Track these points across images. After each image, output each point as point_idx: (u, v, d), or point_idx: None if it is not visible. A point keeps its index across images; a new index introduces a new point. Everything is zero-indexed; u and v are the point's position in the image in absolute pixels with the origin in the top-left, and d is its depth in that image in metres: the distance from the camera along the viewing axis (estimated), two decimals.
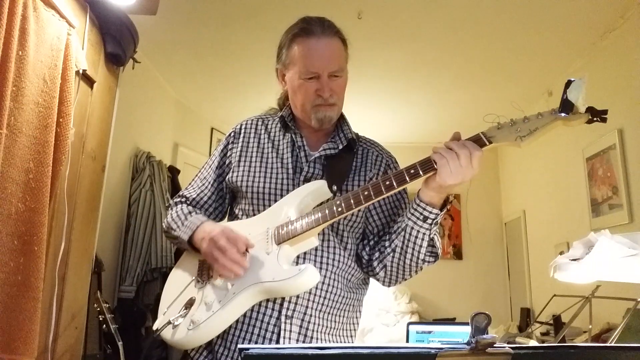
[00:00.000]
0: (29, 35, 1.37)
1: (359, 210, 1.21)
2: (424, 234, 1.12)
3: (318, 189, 1.18)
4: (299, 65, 1.20)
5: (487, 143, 1.03)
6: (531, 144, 1.01)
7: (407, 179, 1.06)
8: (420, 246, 1.13)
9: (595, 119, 0.98)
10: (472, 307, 4.54)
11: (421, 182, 1.11)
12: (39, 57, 1.44)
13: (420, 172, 1.05)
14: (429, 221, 1.10)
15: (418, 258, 1.15)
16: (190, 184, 1.39)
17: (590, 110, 0.98)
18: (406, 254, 1.15)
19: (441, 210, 1.10)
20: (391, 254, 1.17)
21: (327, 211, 1.10)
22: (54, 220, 1.60)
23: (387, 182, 1.06)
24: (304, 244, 1.15)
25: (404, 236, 1.13)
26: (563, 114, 0.99)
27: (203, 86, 4.19)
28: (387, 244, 1.19)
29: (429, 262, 1.18)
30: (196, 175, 1.39)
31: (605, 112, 0.98)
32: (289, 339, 1.11)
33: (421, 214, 1.10)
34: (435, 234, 1.15)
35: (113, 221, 3.28)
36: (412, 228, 1.12)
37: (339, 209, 1.09)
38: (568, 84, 0.99)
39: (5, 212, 1.32)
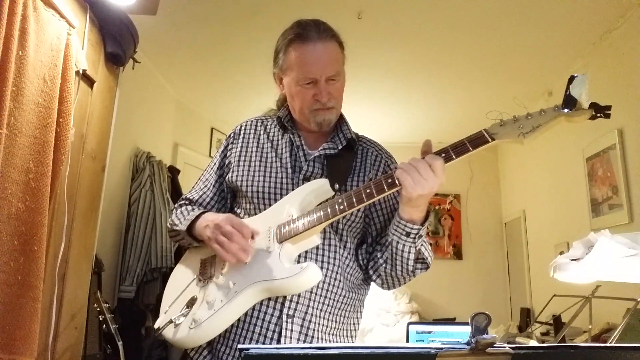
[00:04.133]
0: (29, 35, 1.37)
1: (359, 210, 1.22)
2: (409, 246, 1.13)
3: (320, 187, 1.17)
4: (296, 71, 1.20)
5: (490, 140, 1.02)
6: (533, 142, 1.01)
7: None
8: (408, 259, 1.14)
9: (598, 114, 0.97)
10: (472, 307, 4.55)
11: None
12: (39, 57, 1.44)
13: None
14: (412, 236, 1.11)
15: (407, 270, 1.17)
16: (193, 187, 1.39)
17: (593, 106, 0.97)
18: (396, 266, 1.17)
19: (422, 224, 1.11)
20: (383, 265, 1.19)
21: (329, 209, 1.10)
22: (54, 220, 1.60)
23: (390, 180, 1.06)
24: (305, 242, 1.14)
25: (391, 250, 1.15)
26: (566, 110, 0.97)
27: (203, 86, 4.19)
28: (379, 254, 1.21)
29: (420, 269, 1.20)
30: (199, 178, 1.39)
31: (608, 107, 0.96)
32: (290, 338, 1.11)
33: (403, 229, 1.11)
34: (421, 245, 1.16)
35: (113, 221, 3.28)
36: (398, 242, 1.13)
37: (341, 207, 1.09)
38: (571, 79, 0.97)
39: (5, 212, 1.32)
